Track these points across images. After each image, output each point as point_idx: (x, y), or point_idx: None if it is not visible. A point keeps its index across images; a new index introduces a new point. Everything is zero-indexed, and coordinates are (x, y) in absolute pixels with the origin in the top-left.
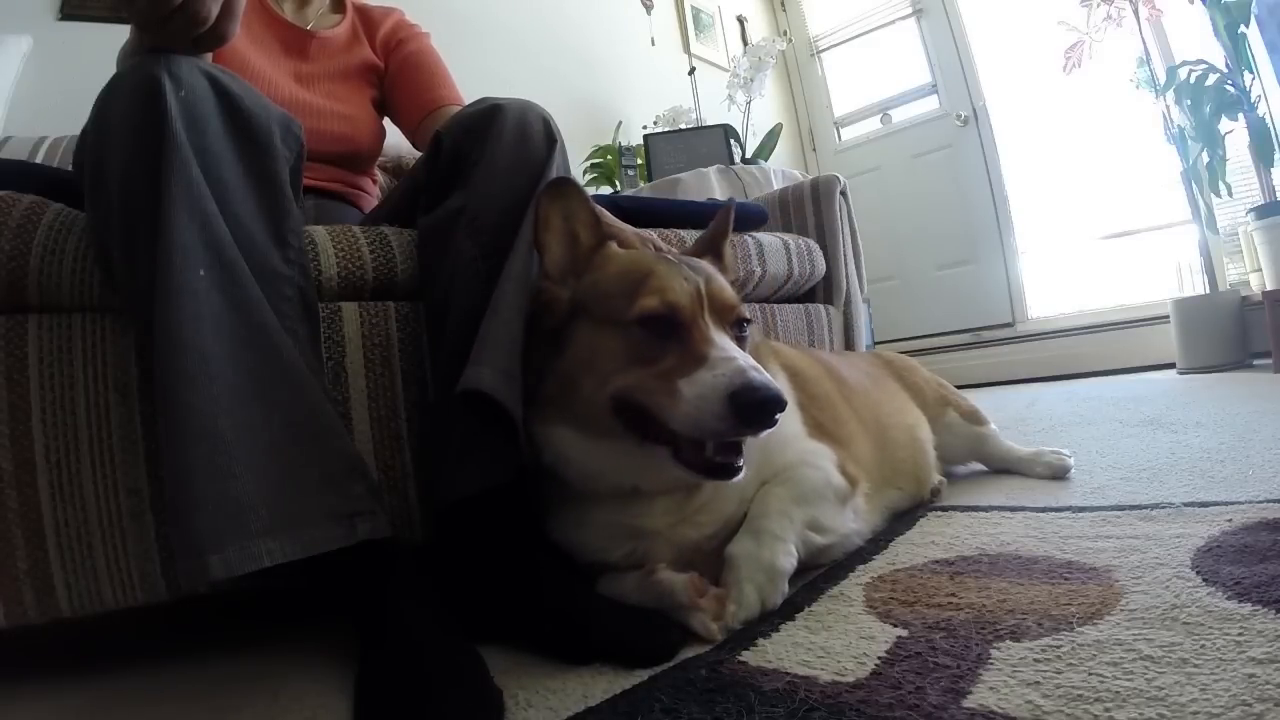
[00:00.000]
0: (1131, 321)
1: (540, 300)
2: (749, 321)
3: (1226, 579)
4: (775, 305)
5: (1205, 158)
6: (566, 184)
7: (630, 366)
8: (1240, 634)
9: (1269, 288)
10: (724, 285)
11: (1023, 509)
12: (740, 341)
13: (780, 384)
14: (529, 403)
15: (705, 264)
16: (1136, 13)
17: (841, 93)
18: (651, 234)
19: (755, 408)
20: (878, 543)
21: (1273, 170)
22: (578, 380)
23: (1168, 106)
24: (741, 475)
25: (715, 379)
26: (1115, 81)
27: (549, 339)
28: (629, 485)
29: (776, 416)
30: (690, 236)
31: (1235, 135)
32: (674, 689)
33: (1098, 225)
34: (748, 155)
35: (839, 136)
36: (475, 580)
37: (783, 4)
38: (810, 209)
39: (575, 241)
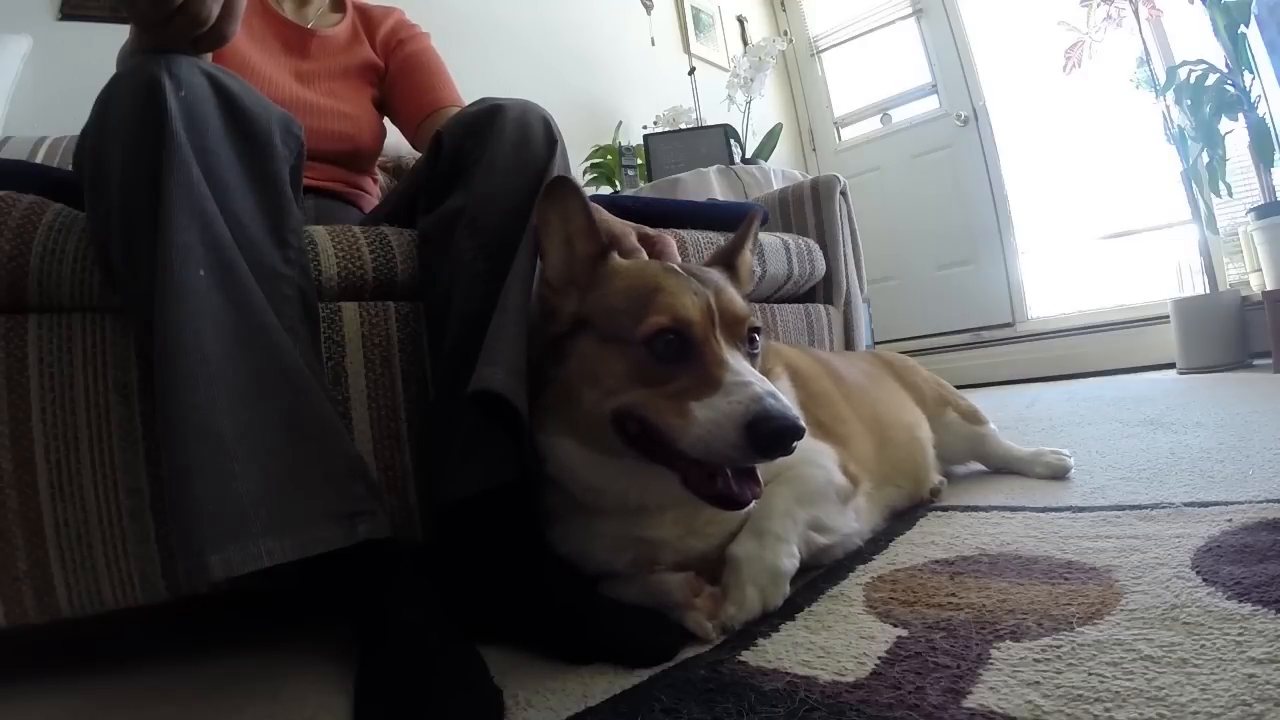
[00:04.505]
0: (1131, 321)
1: (542, 308)
2: (760, 332)
3: (1226, 579)
4: (775, 305)
5: (1205, 158)
6: (564, 186)
7: (637, 386)
8: (1240, 634)
9: (1269, 288)
10: (734, 296)
11: (1023, 509)
12: (752, 357)
13: (784, 386)
14: (529, 409)
15: (714, 274)
16: (1136, 13)
17: (841, 93)
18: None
19: (772, 437)
20: (878, 543)
21: (1273, 170)
22: (579, 392)
23: (1168, 106)
24: (750, 507)
25: (731, 406)
26: (1115, 81)
27: (549, 347)
28: (635, 502)
29: (793, 445)
30: (689, 237)
31: (1235, 135)
32: (674, 689)
33: (1098, 225)
34: (748, 155)
35: (839, 136)
36: (476, 580)
37: (783, 4)
38: (810, 209)
39: (572, 249)
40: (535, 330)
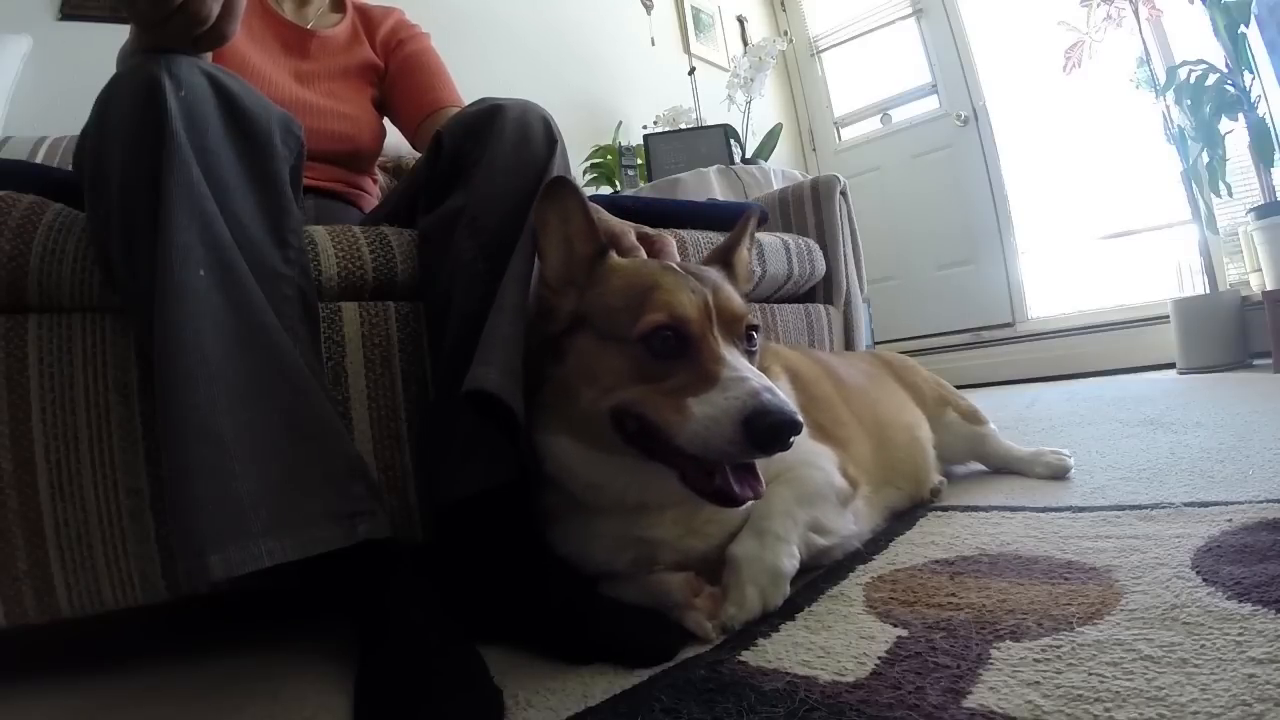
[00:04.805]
0: (1131, 321)
1: (540, 306)
2: (758, 329)
3: (1226, 579)
4: (775, 305)
5: (1205, 158)
6: (563, 186)
7: (635, 383)
8: (1240, 634)
9: (1269, 288)
10: (732, 294)
11: (1023, 509)
12: (750, 355)
13: (783, 387)
14: (527, 407)
15: (712, 272)
16: (1136, 13)
17: (841, 93)
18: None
19: (769, 432)
20: (878, 543)
21: (1273, 170)
22: (577, 390)
23: (1168, 106)
24: (747, 506)
25: (728, 401)
26: (1115, 81)
27: (548, 346)
28: (634, 500)
29: (791, 439)
30: (689, 237)
31: (1235, 135)
32: (674, 689)
33: (1098, 225)
34: (748, 155)
35: (839, 136)
36: (476, 579)
37: (783, 4)
38: (810, 209)
39: (571, 249)
40: (534, 329)
